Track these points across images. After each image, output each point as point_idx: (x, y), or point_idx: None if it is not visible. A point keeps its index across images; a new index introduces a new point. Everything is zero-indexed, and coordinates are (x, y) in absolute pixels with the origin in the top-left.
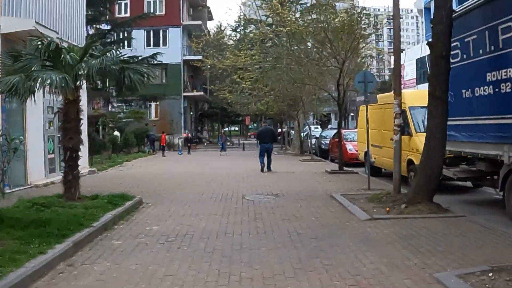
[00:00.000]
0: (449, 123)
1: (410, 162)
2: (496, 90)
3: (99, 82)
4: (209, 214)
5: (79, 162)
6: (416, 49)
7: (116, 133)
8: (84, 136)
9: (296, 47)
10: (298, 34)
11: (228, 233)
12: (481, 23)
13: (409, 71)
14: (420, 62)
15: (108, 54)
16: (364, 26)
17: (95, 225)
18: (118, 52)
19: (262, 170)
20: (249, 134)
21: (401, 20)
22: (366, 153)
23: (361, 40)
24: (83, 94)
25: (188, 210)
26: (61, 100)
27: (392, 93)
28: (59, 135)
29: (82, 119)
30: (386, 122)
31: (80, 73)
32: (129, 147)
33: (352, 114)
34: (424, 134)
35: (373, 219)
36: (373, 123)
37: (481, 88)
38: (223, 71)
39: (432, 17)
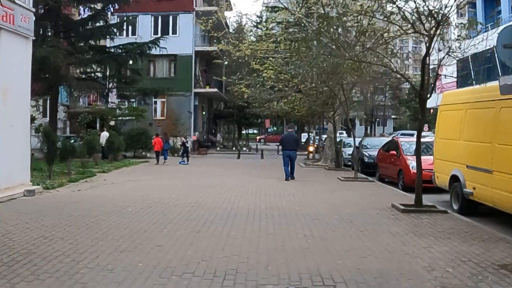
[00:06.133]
0: None
1: None
2: None
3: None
4: None
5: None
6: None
7: (105, 133)
8: (26, 140)
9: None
10: None
11: None
12: None
13: (448, 72)
14: (461, 62)
15: None
16: None
17: None
18: None
19: (287, 179)
20: (257, 138)
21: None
22: (455, 178)
23: None
24: (25, 81)
25: None
26: None
27: None
28: None
29: None
30: (502, 130)
31: None
32: (113, 151)
33: (377, 119)
34: None
35: None
36: (470, 131)
37: None
38: (237, 58)
39: None
